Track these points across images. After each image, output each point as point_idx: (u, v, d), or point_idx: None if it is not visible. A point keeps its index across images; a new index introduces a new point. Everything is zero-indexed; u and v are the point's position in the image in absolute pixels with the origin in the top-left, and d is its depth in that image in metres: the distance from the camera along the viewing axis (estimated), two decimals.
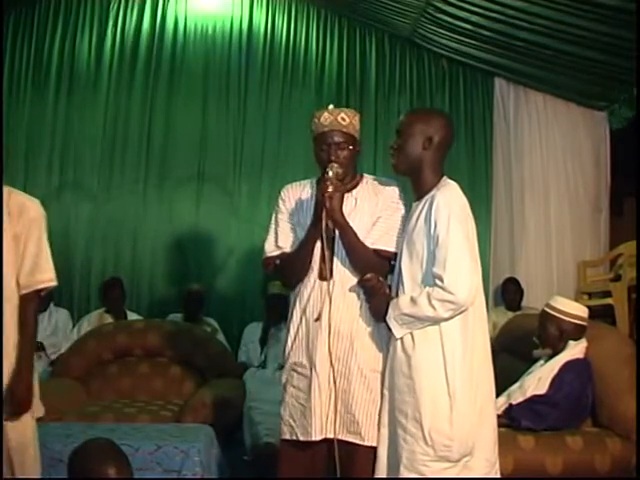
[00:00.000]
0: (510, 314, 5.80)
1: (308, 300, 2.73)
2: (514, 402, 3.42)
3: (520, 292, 6.18)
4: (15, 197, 2.67)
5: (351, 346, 2.67)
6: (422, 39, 6.61)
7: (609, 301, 5.63)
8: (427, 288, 2.45)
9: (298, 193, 2.87)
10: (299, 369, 2.73)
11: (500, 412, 3.42)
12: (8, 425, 2.57)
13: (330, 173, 2.65)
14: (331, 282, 2.70)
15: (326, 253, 2.70)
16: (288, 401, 2.75)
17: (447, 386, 2.42)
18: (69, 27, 6.65)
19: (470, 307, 2.45)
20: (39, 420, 2.74)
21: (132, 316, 5.88)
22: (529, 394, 3.41)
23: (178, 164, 6.59)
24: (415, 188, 2.65)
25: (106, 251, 6.45)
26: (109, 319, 5.73)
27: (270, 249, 2.85)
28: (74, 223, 6.41)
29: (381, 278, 2.65)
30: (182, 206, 6.54)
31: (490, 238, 6.59)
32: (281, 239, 2.83)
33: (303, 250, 2.73)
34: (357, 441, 2.64)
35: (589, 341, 3.51)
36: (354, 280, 2.71)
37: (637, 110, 5.60)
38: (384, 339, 2.68)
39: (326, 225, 2.64)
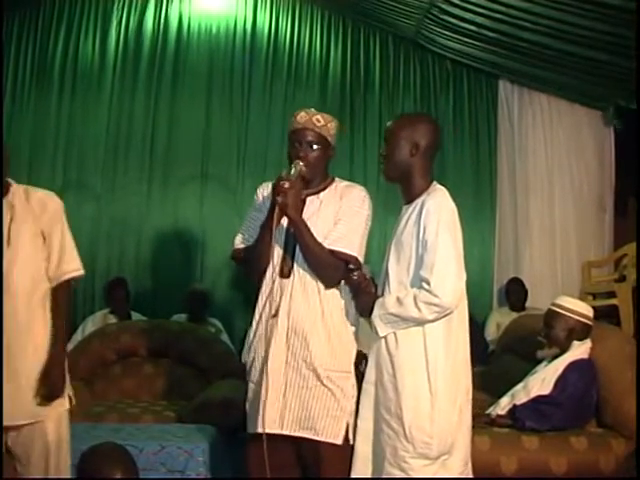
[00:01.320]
0: (514, 314, 5.79)
1: (268, 296, 2.77)
2: (518, 402, 3.42)
3: (524, 292, 6.17)
4: (34, 194, 2.78)
5: (306, 344, 2.70)
6: (426, 40, 6.61)
7: (614, 302, 5.62)
8: (414, 290, 2.49)
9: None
10: (257, 364, 2.78)
11: (504, 412, 3.44)
12: (47, 418, 2.66)
13: (292, 170, 2.70)
14: (290, 279, 2.74)
15: (281, 246, 2.76)
16: (249, 396, 2.82)
17: (429, 385, 2.46)
18: (73, 28, 6.67)
19: (455, 310, 2.48)
20: None
21: (136, 317, 5.88)
22: (533, 394, 3.41)
23: (182, 164, 6.59)
24: (404, 193, 2.69)
25: (110, 251, 6.46)
26: (113, 319, 5.73)
27: (237, 242, 2.90)
28: (78, 223, 6.32)
29: (368, 276, 2.68)
30: (186, 206, 6.55)
31: (494, 238, 6.59)
32: (249, 233, 2.87)
33: (258, 243, 2.76)
34: (311, 436, 2.67)
35: (593, 341, 3.51)
36: (314, 278, 2.74)
37: (637, 110, 5.59)
38: (346, 339, 2.74)
39: (278, 221, 2.67)
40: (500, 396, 3.57)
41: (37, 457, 2.64)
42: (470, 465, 2.59)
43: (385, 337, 2.55)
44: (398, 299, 2.51)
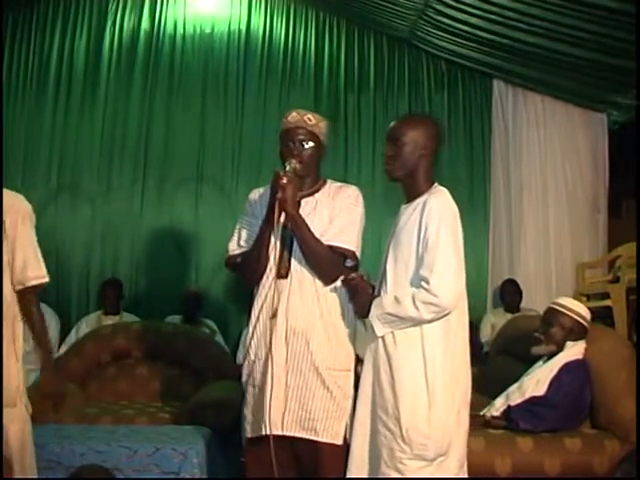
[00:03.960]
0: (509, 316, 5.80)
1: (265, 298, 2.77)
2: (513, 403, 3.42)
3: (519, 294, 6.18)
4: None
5: (306, 343, 2.71)
6: (420, 41, 6.62)
7: (607, 303, 5.62)
8: (412, 289, 2.48)
9: (264, 196, 2.90)
10: (256, 366, 2.78)
11: (498, 413, 3.43)
12: (8, 422, 2.61)
13: (287, 167, 2.72)
14: (288, 280, 2.74)
15: (278, 246, 2.75)
16: (249, 400, 2.81)
17: (426, 386, 2.46)
18: (67, 29, 6.69)
19: (453, 311, 2.48)
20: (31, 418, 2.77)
21: (129, 318, 5.87)
22: (528, 395, 3.41)
23: (177, 166, 6.60)
24: (407, 192, 2.68)
25: (104, 253, 6.46)
26: (108, 320, 5.73)
27: (233, 248, 2.90)
28: (72, 225, 6.41)
29: (365, 277, 2.67)
30: (181, 208, 6.56)
31: (488, 239, 6.59)
32: (243, 239, 2.88)
33: (257, 244, 2.77)
34: (312, 437, 2.68)
35: (588, 342, 3.51)
36: (311, 278, 2.75)
37: (637, 111, 5.60)
38: (345, 337, 2.75)
39: (279, 218, 2.67)
40: (495, 397, 3.57)
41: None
42: (466, 467, 2.58)
43: (383, 337, 2.54)
44: (396, 298, 2.50)
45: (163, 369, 4.76)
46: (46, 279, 2.77)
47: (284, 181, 2.66)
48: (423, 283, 2.44)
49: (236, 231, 2.94)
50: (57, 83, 6.59)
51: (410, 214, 2.58)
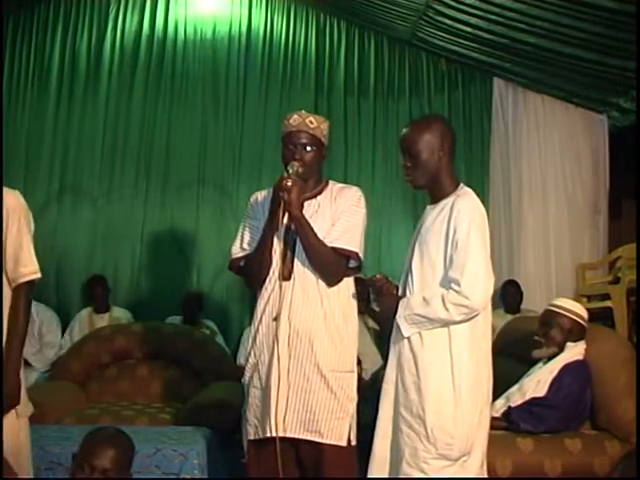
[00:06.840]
0: (509, 317, 5.78)
1: (268, 300, 2.78)
2: (513, 404, 3.42)
3: (520, 294, 6.17)
4: None
5: (310, 345, 2.72)
6: (421, 42, 6.61)
7: (608, 304, 5.62)
8: (442, 290, 2.48)
9: (266, 198, 2.92)
10: (259, 368, 2.79)
11: (499, 415, 3.43)
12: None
13: (290, 170, 2.73)
14: (291, 282, 2.74)
15: (280, 248, 2.77)
16: (251, 402, 2.83)
17: (453, 386, 2.47)
18: (69, 31, 6.68)
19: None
20: (32, 419, 2.75)
21: (118, 311, 5.94)
22: (528, 396, 3.41)
23: (178, 168, 6.59)
24: (432, 194, 2.69)
25: (106, 255, 6.45)
26: (99, 318, 5.79)
27: (236, 251, 2.92)
28: (74, 227, 6.41)
29: (390, 278, 2.68)
30: (182, 209, 6.55)
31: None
32: (246, 242, 2.89)
33: (260, 246, 2.78)
34: (316, 439, 2.69)
35: (588, 343, 3.52)
36: (315, 280, 2.76)
37: (637, 111, 5.59)
38: (348, 339, 2.77)
39: (282, 219, 2.69)
40: (495, 398, 3.55)
41: None
42: (485, 466, 2.60)
43: (409, 338, 2.54)
44: (424, 299, 2.51)
45: (163, 370, 4.76)
46: (38, 275, 2.70)
47: (288, 184, 2.66)
48: (453, 285, 2.44)
49: (239, 234, 2.95)
50: (59, 85, 6.59)
51: (437, 215, 2.59)
